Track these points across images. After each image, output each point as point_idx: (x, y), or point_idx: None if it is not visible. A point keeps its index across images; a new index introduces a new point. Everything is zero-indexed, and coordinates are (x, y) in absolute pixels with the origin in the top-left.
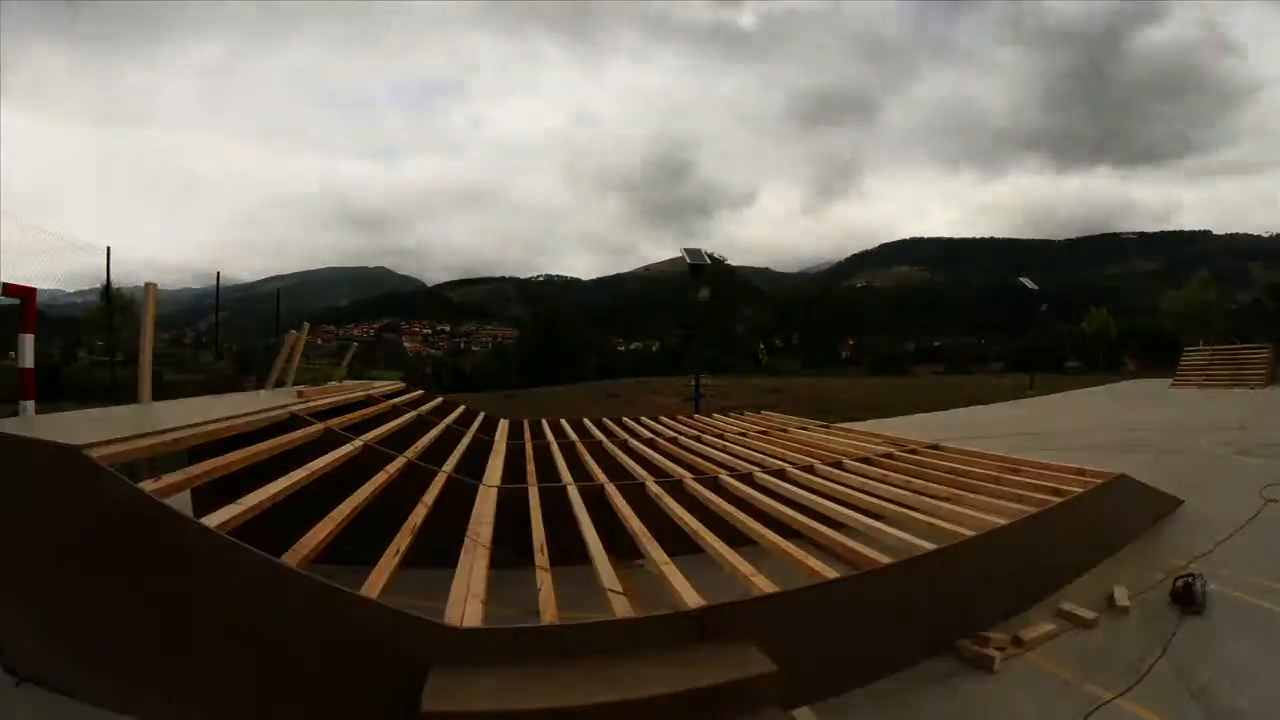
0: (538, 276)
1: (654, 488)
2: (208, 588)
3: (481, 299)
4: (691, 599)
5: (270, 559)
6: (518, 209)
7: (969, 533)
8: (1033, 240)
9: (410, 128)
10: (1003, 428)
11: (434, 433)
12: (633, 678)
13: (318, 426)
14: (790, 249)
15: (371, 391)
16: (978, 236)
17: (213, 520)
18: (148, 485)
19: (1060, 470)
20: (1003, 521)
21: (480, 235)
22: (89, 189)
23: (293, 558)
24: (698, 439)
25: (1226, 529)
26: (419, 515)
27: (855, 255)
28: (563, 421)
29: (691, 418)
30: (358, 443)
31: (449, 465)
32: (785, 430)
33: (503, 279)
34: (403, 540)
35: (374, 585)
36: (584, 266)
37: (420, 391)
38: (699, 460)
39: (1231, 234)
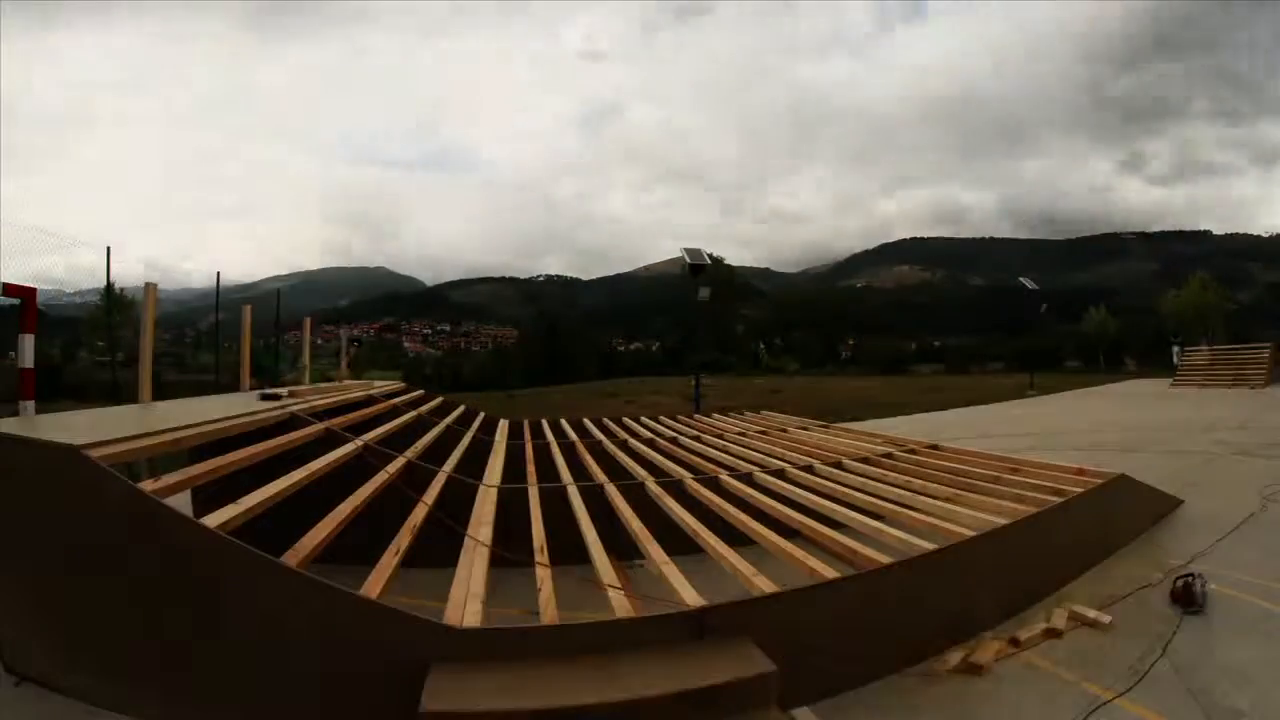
0: (538, 276)
1: (654, 488)
2: (208, 588)
3: (481, 299)
4: (691, 599)
5: (270, 559)
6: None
7: (969, 533)
8: (1033, 240)
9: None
10: (1003, 428)
11: (434, 433)
12: (633, 678)
13: (318, 426)
14: (790, 249)
15: (371, 391)
16: (978, 236)
17: (213, 520)
18: (148, 485)
19: (1060, 470)
20: (1003, 521)
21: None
22: (90, 188)
23: (293, 558)
24: (698, 439)
25: (1226, 529)
26: (419, 515)
27: (855, 255)
28: (563, 421)
29: (691, 418)
30: (358, 443)
31: (449, 465)
32: (785, 430)
33: (503, 279)
34: (403, 540)
35: (374, 585)
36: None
37: (420, 391)
38: (699, 460)
39: (1231, 234)
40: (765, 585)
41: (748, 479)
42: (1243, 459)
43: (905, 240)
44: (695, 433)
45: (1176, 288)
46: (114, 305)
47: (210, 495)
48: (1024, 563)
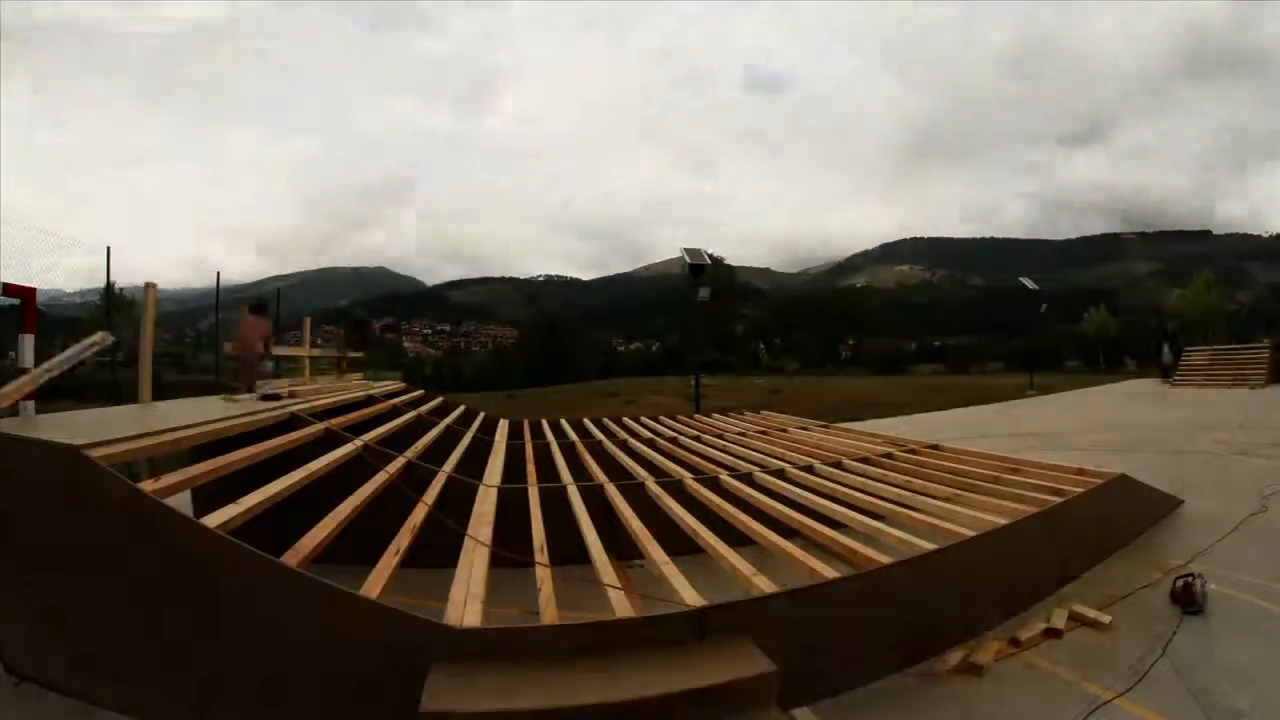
0: (538, 276)
1: (654, 488)
2: (207, 588)
3: (481, 299)
4: (691, 599)
5: (270, 559)
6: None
7: (969, 533)
8: (1033, 240)
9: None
10: (1003, 428)
11: (434, 433)
12: (633, 678)
13: (318, 426)
14: (790, 249)
15: (372, 391)
16: (978, 236)
17: (213, 520)
18: (148, 485)
19: (1060, 470)
20: (1003, 521)
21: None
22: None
23: (293, 558)
24: (698, 439)
25: (1226, 529)
26: (419, 515)
27: (855, 255)
28: (563, 421)
29: (691, 418)
30: (358, 443)
31: (449, 465)
32: (785, 430)
33: (503, 279)
34: (403, 540)
35: (374, 585)
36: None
37: (420, 391)
38: (699, 460)
39: (1231, 234)
40: (765, 585)
41: (748, 479)
42: (1243, 459)
43: (905, 240)
44: (695, 433)
45: (1177, 287)
46: (114, 305)
47: (210, 495)
48: (1024, 563)
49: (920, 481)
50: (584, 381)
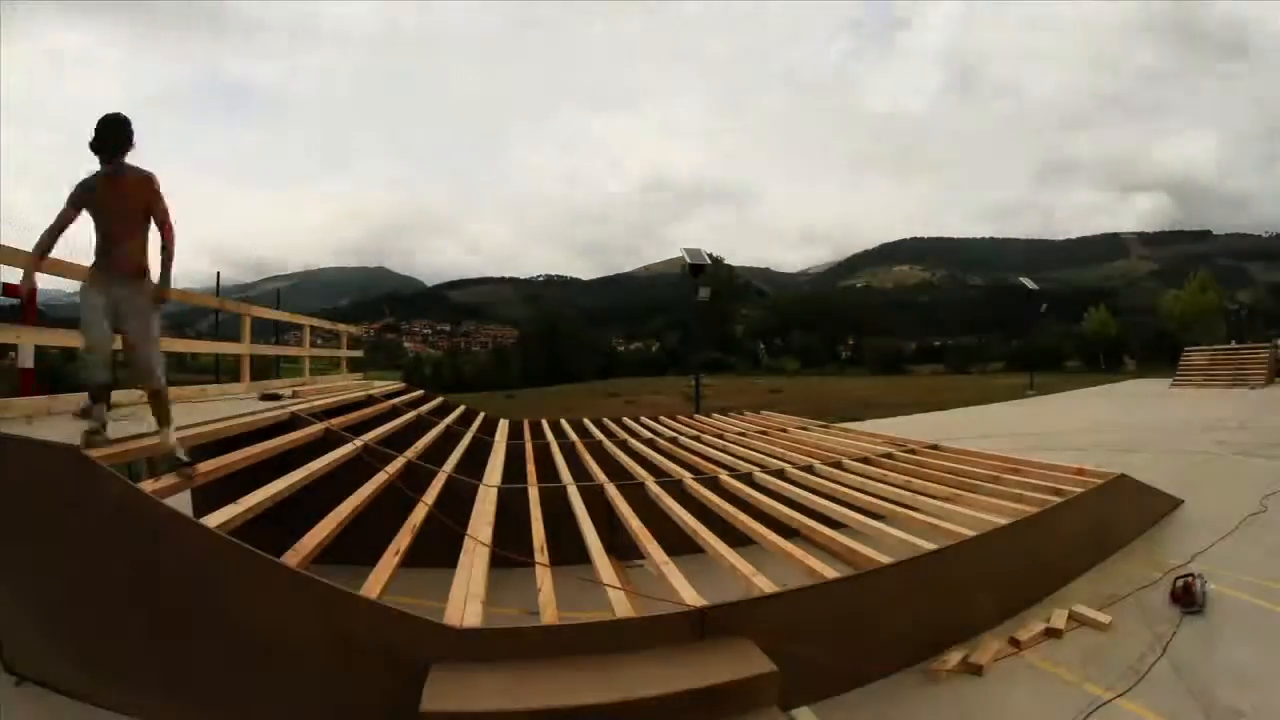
0: (538, 276)
1: (654, 488)
2: (208, 588)
3: (481, 299)
4: (691, 599)
5: (270, 559)
6: None
7: (969, 533)
8: (1033, 240)
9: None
10: (1003, 428)
11: (434, 433)
12: (633, 677)
13: (318, 426)
14: (790, 248)
15: (372, 391)
16: (978, 236)
17: (213, 520)
18: (148, 485)
19: (1060, 470)
20: (1003, 521)
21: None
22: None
23: (293, 558)
24: (698, 439)
25: (1226, 529)
26: (419, 515)
27: (855, 255)
28: (563, 421)
29: (691, 418)
30: (358, 443)
31: (449, 465)
32: (785, 430)
33: (503, 279)
34: (403, 540)
35: (374, 585)
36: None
37: (420, 391)
38: (699, 460)
39: (1231, 234)
40: (765, 585)
41: (748, 479)
42: (1243, 459)
43: (905, 240)
44: (695, 433)
45: (1176, 287)
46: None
47: (210, 495)
48: (1024, 563)
49: (920, 481)
50: (584, 381)
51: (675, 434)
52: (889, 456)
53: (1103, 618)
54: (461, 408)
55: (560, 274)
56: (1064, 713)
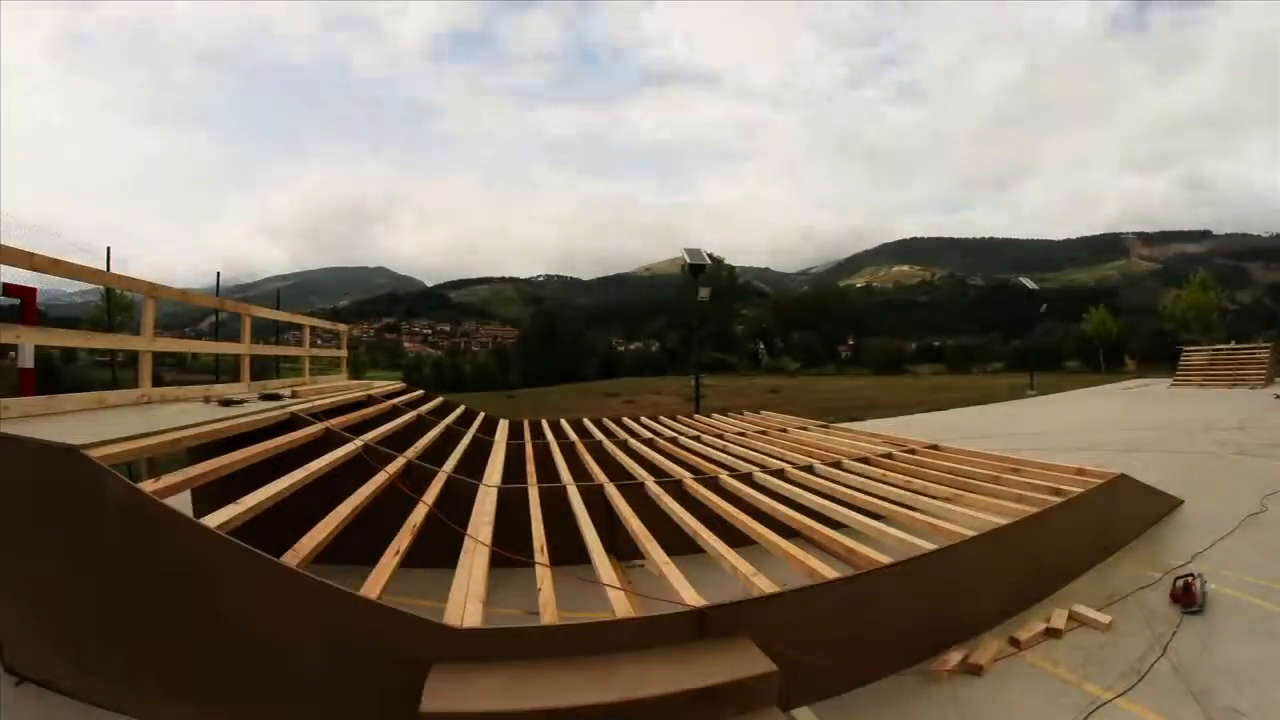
0: (538, 276)
1: (654, 488)
2: (208, 588)
3: (481, 299)
4: (691, 599)
5: (270, 559)
6: None
7: (969, 533)
8: (1033, 240)
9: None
10: (1003, 428)
11: (434, 433)
12: (633, 678)
13: (318, 426)
14: (790, 249)
15: (371, 391)
16: (977, 236)
17: (213, 520)
18: (148, 485)
19: (1060, 470)
20: (1003, 521)
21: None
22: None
23: (293, 558)
24: (698, 439)
25: (1226, 529)
26: (419, 515)
27: (855, 255)
28: (563, 421)
29: (691, 418)
30: (358, 443)
31: (449, 465)
32: (785, 430)
33: (503, 279)
34: (403, 540)
35: (374, 585)
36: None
37: (420, 391)
38: (699, 460)
39: (1231, 234)
40: (765, 585)
41: (748, 479)
42: (1243, 459)
43: (905, 240)
44: (695, 433)
45: (1177, 287)
46: (114, 305)
47: (210, 495)
48: (1024, 563)
49: (920, 482)
50: (584, 381)
51: (675, 434)
52: (889, 456)
53: (1103, 618)
54: (461, 408)
55: (560, 274)
56: (1064, 713)
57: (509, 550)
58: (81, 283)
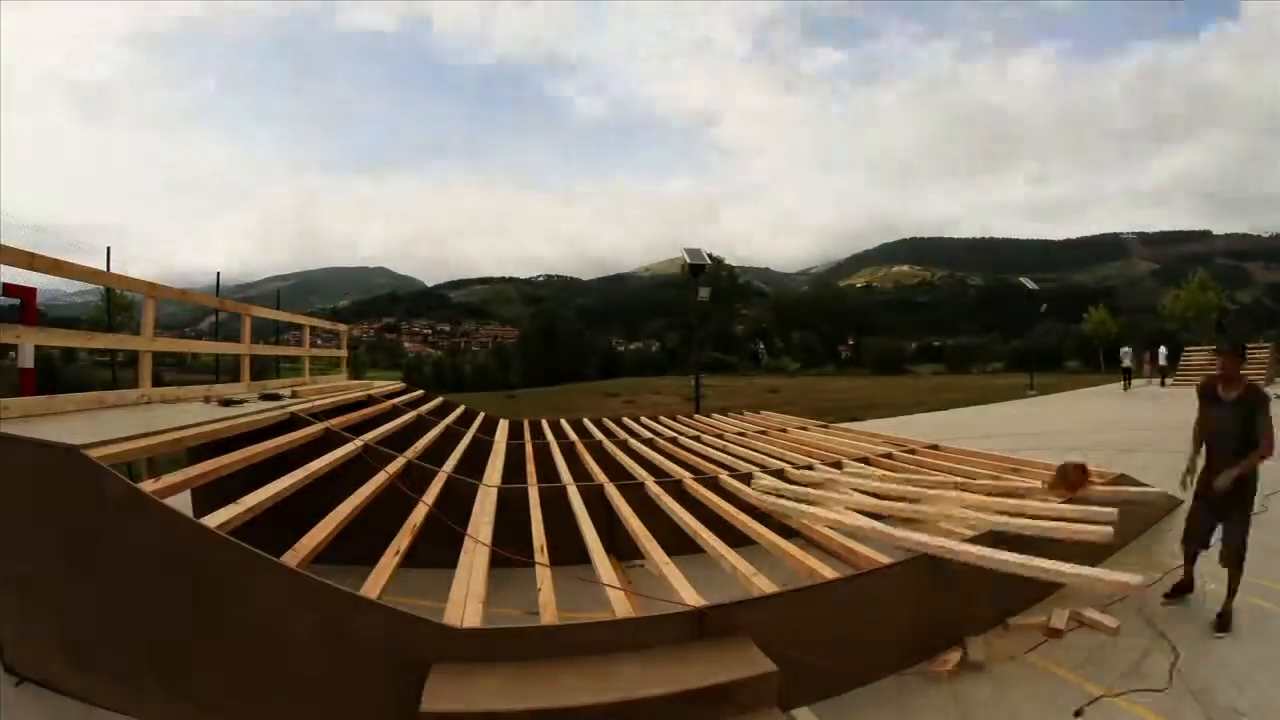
0: (538, 276)
1: (654, 488)
2: (207, 588)
3: (481, 299)
4: (691, 599)
5: (270, 559)
6: None
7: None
8: (1033, 240)
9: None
10: (1003, 428)
11: (434, 433)
12: (633, 678)
13: (318, 426)
14: (790, 249)
15: (371, 391)
16: (978, 236)
17: (213, 520)
18: (148, 485)
19: None
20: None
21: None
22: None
23: (293, 558)
24: (698, 439)
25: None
26: (419, 515)
27: (855, 255)
28: (563, 421)
29: (691, 418)
30: (358, 443)
31: (449, 465)
32: (785, 430)
33: (503, 279)
34: (403, 540)
35: (374, 585)
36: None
37: (420, 391)
38: (699, 460)
39: (1231, 234)
40: (765, 585)
41: (748, 479)
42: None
43: (905, 240)
44: (695, 433)
45: (1177, 287)
46: (114, 305)
47: (210, 495)
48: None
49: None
50: (584, 381)
51: (675, 434)
52: (889, 456)
53: (1103, 618)
54: (461, 408)
55: (560, 274)
56: (1063, 712)
57: (509, 550)
58: (81, 283)
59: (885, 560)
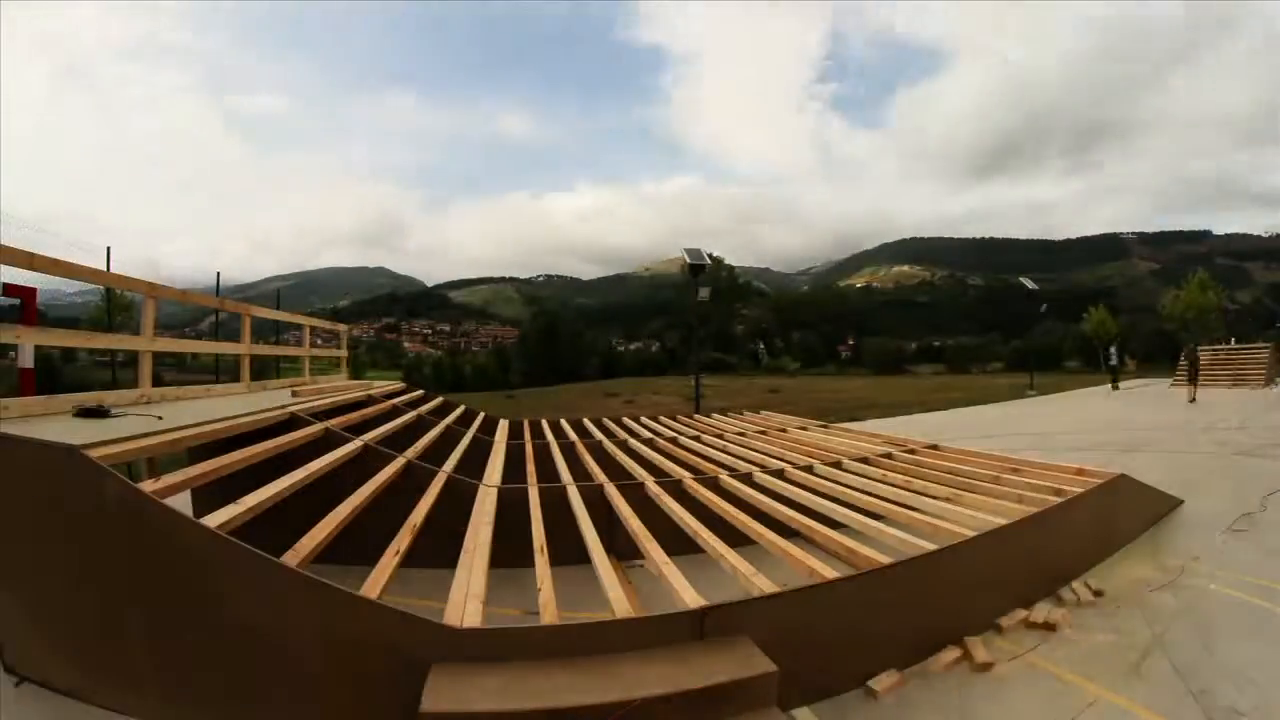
0: (538, 276)
1: (654, 488)
2: (208, 588)
3: (481, 299)
4: (691, 599)
5: (270, 559)
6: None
7: (969, 533)
8: (1033, 240)
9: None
10: (1003, 428)
11: (434, 433)
12: (633, 678)
13: (318, 426)
14: (790, 249)
15: (371, 391)
16: (978, 236)
17: (213, 520)
18: (148, 485)
19: (1060, 470)
20: (1003, 521)
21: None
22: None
23: (293, 558)
24: (698, 439)
25: (1226, 529)
26: (419, 515)
27: (855, 255)
28: (563, 421)
29: (691, 418)
30: (358, 443)
31: (449, 465)
32: (785, 430)
33: (503, 279)
34: (403, 540)
35: (374, 585)
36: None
37: (420, 391)
38: (699, 460)
39: (1231, 234)
40: (765, 585)
41: (747, 479)
42: (1243, 459)
43: (905, 240)
44: (695, 433)
45: (1177, 287)
46: (114, 305)
47: (210, 495)
48: (1024, 562)
49: (920, 481)
50: (584, 381)
51: (675, 434)
52: (889, 456)
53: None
54: (461, 408)
55: (560, 274)
56: (1064, 713)
57: (509, 550)
58: (81, 283)
59: (885, 560)
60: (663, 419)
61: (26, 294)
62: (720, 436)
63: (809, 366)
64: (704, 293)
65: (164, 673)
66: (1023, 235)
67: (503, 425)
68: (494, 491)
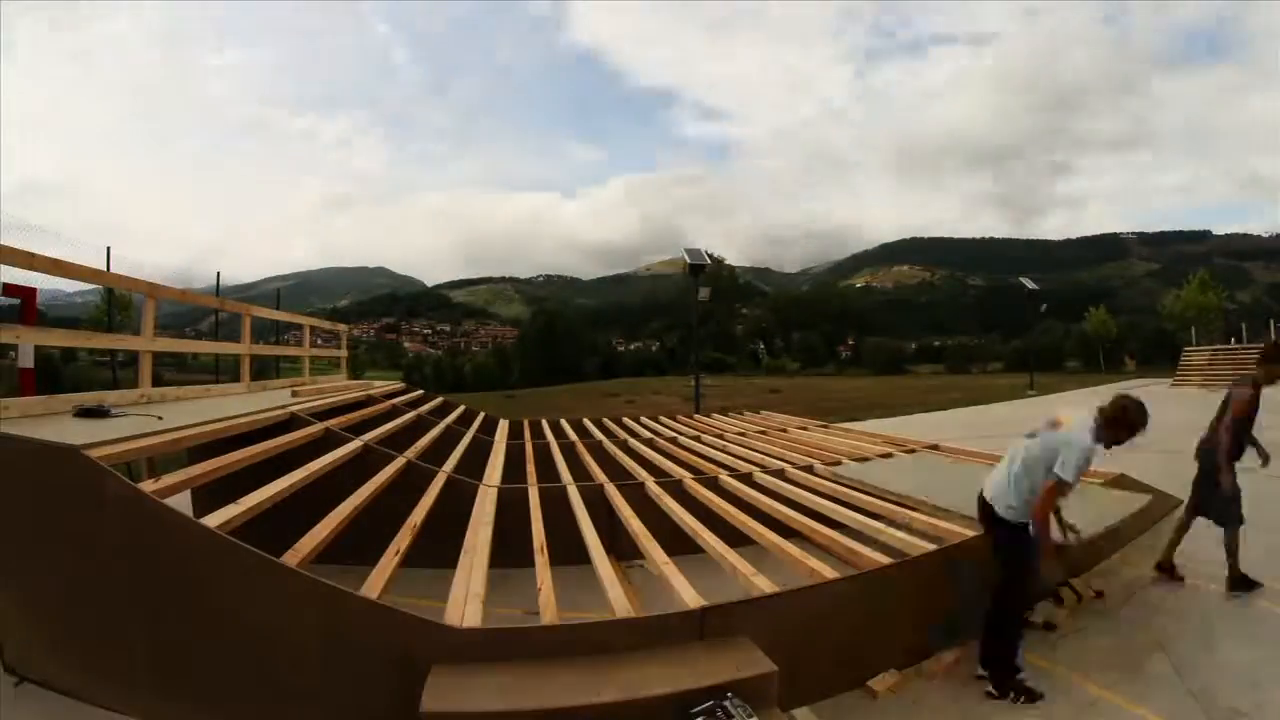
0: (538, 276)
1: (654, 488)
2: (208, 588)
3: (481, 299)
4: (691, 599)
5: (270, 559)
6: None
7: (969, 533)
8: (1032, 240)
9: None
10: (1003, 428)
11: (434, 433)
12: (633, 678)
13: (318, 426)
14: (790, 249)
15: (371, 391)
16: (978, 236)
17: (213, 520)
18: (148, 485)
19: None
20: None
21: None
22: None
23: (293, 558)
24: (698, 439)
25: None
26: (419, 515)
27: (855, 255)
28: (563, 421)
29: (691, 418)
30: (358, 443)
31: (449, 465)
32: (785, 430)
33: (503, 279)
34: (403, 540)
35: (374, 585)
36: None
37: (420, 391)
38: (699, 460)
39: (1231, 234)
40: (765, 585)
41: (747, 479)
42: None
43: (905, 240)
44: (695, 433)
45: (1176, 287)
46: (114, 305)
47: (210, 495)
48: None
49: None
50: (584, 381)
51: (675, 434)
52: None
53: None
54: (461, 408)
55: (560, 274)
56: (1064, 713)
57: (509, 550)
58: (81, 283)
59: (885, 560)
60: (663, 419)
61: (26, 294)
62: (720, 436)
63: (809, 366)
64: (704, 293)
65: (164, 673)
66: (1023, 235)
67: (502, 425)
68: (494, 491)
